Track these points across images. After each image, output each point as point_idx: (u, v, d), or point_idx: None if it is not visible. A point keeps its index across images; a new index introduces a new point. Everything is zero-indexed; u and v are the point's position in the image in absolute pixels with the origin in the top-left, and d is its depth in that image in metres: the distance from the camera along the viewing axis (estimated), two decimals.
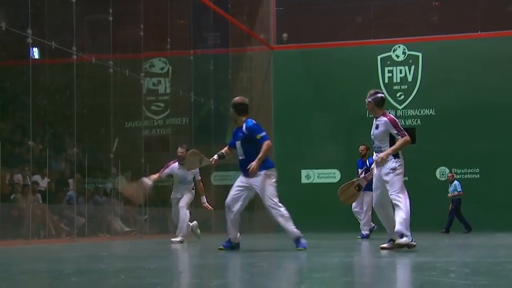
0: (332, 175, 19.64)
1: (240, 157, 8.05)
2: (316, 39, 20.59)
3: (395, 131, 7.77)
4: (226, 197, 8.20)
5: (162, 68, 19.91)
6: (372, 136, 7.98)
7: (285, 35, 20.93)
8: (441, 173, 19.31)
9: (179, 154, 11.30)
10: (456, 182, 17.38)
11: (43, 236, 12.52)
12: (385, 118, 7.87)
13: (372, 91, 8.10)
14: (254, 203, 20.11)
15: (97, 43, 17.12)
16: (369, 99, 8.00)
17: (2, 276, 4.99)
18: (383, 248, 7.92)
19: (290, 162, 19.83)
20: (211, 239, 12.12)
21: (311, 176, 20.12)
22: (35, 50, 16.22)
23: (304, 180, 20.19)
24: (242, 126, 8.08)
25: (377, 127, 7.90)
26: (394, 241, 7.74)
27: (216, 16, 19.18)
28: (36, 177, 13.66)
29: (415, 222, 8.19)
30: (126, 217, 15.36)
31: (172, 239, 11.30)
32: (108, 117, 15.69)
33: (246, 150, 7.99)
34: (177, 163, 11.33)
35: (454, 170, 18.57)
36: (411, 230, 7.60)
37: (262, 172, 7.94)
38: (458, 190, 17.23)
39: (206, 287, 4.23)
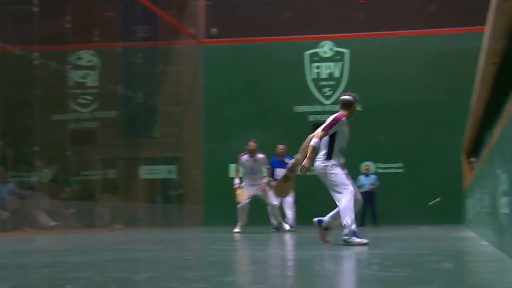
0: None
1: None
2: (245, 34, 20.65)
3: None
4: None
5: (89, 61, 19.61)
6: (346, 139, 7.75)
7: (214, 29, 20.89)
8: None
9: (251, 147, 12.54)
10: (373, 175, 18.39)
11: None
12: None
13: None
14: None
15: (21, 34, 16.74)
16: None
17: None
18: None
19: (217, 156, 19.85)
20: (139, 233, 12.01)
21: None
22: None
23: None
24: None
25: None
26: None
27: (145, 9, 19.01)
28: None
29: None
30: (51, 211, 15.10)
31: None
32: (33, 109, 15.38)
33: None
34: (246, 155, 12.49)
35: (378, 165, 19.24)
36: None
37: None
38: (376, 183, 18.18)
39: (129, 280, 4.17)
